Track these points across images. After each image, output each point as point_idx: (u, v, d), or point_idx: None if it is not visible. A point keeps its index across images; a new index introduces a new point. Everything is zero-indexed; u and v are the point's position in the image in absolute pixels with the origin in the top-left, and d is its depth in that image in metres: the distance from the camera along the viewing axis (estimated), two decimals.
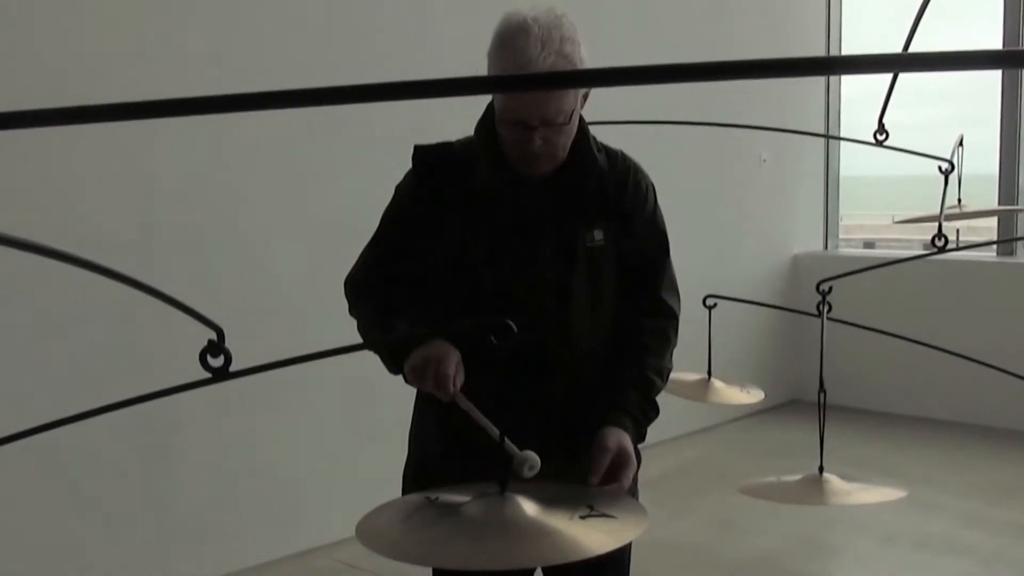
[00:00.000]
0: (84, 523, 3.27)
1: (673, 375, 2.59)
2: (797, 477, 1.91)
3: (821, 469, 1.87)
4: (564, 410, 1.77)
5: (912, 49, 1.90)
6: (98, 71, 3.20)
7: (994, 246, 5.60)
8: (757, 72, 0.68)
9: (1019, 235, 5.22)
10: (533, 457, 1.47)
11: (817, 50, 6.11)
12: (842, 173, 6.37)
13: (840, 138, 5.72)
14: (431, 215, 1.76)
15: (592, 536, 0.97)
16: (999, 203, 4.82)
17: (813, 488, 1.84)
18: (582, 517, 1.02)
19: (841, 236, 6.57)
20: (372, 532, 1.03)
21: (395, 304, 1.77)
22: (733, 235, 5.69)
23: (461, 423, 1.60)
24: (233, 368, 0.93)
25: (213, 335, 0.93)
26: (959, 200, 2.75)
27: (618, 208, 1.80)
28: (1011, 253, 5.41)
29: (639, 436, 1.75)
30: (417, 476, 1.89)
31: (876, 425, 5.66)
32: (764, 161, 5.82)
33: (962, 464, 4.94)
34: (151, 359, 3.29)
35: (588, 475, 1.59)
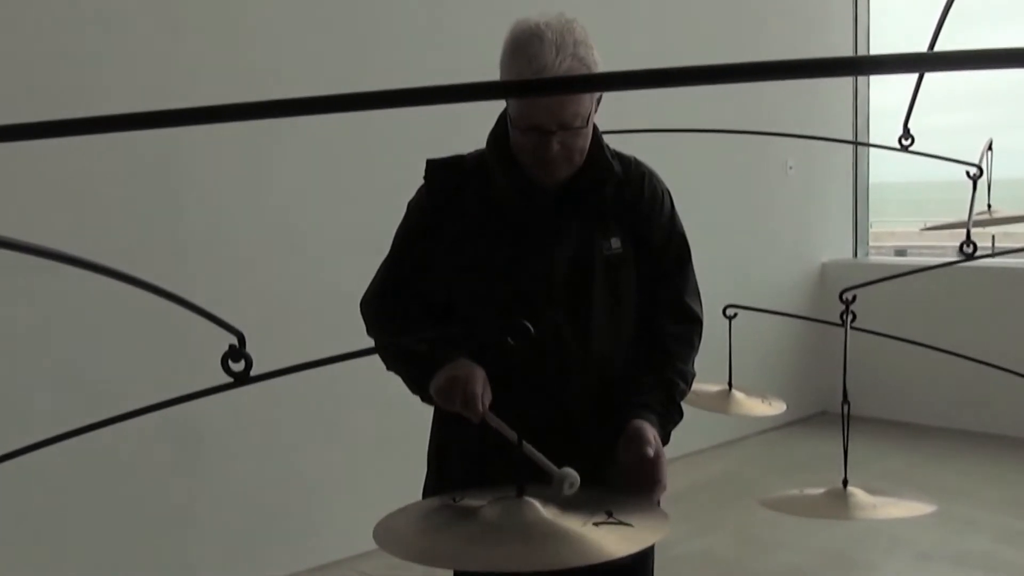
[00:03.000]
0: (104, 531, 3.26)
1: (694, 386, 2.55)
2: (820, 491, 1.86)
3: (845, 482, 1.81)
4: (585, 418, 1.75)
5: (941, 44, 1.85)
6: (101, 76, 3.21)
7: None
8: (785, 73, 0.65)
9: None
10: (572, 474, 1.44)
11: (845, 54, 6.04)
12: (872, 180, 6.27)
13: (866, 144, 5.65)
14: (446, 229, 1.75)
15: (610, 540, 0.95)
16: None
17: (837, 502, 1.78)
18: (598, 524, 0.99)
19: (872, 244, 6.47)
20: (389, 534, 1.01)
21: (414, 323, 1.76)
22: (759, 244, 5.61)
23: (486, 440, 1.59)
24: (254, 372, 0.93)
25: (235, 340, 0.92)
26: (988, 206, 2.68)
27: (635, 215, 1.78)
28: None
29: (664, 437, 1.73)
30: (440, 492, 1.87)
31: (907, 437, 5.55)
32: (791, 169, 5.74)
33: (997, 477, 4.82)
34: (175, 366, 3.27)
35: (626, 465, 1.58)
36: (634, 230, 1.77)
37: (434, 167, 1.80)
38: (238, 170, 3.53)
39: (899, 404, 5.79)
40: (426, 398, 1.72)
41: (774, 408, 2.32)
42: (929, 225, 2.61)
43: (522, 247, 1.72)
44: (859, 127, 6.13)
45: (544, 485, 1.40)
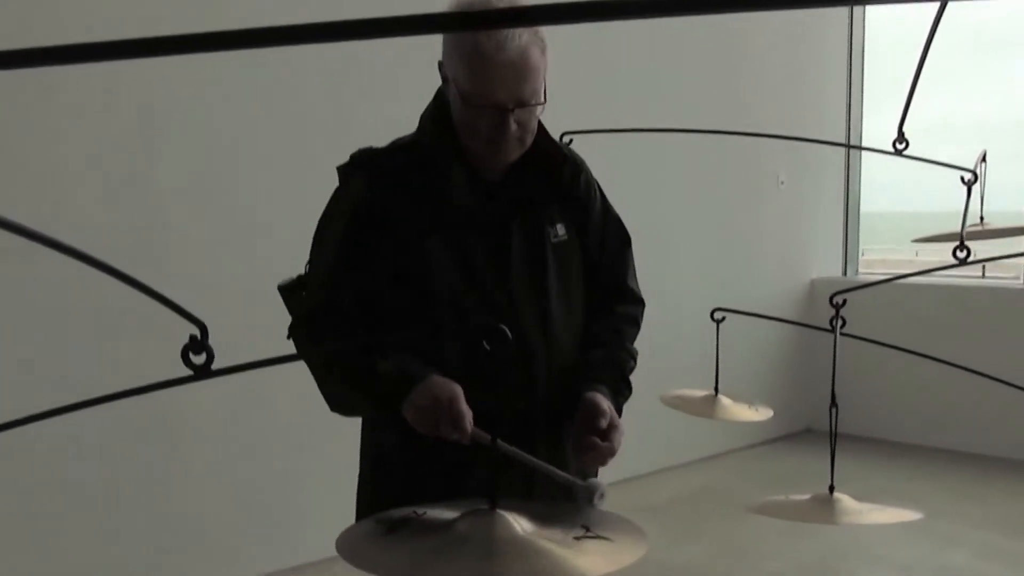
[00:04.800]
0: (78, 528, 3.21)
1: (678, 391, 2.52)
2: (807, 496, 1.83)
3: (832, 488, 1.79)
4: (549, 408, 1.70)
5: (932, 72, 1.83)
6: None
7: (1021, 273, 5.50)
8: (769, 3, 0.62)
9: None
10: (601, 484, 1.41)
11: (839, 74, 6.06)
12: (864, 208, 6.28)
13: (859, 147, 5.67)
14: (390, 223, 1.62)
15: (586, 558, 0.90)
16: None
17: (824, 507, 1.75)
18: (576, 538, 0.94)
19: (863, 271, 6.46)
20: (352, 546, 0.96)
21: (367, 332, 1.60)
22: (749, 258, 5.60)
23: (455, 453, 1.52)
24: (216, 366, 0.88)
25: (196, 331, 0.88)
26: (981, 218, 2.66)
27: (574, 202, 1.76)
28: None
29: (617, 411, 1.70)
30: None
31: (893, 455, 5.54)
32: (782, 183, 5.74)
33: (980, 496, 4.81)
34: (137, 359, 3.18)
35: (582, 435, 1.55)
36: (574, 217, 1.74)
37: (367, 157, 1.68)
38: (211, 160, 3.48)
39: (883, 422, 5.77)
40: (391, 419, 1.57)
41: (761, 415, 2.28)
42: (919, 237, 2.59)
43: (472, 238, 1.64)
44: (851, 157, 6.14)
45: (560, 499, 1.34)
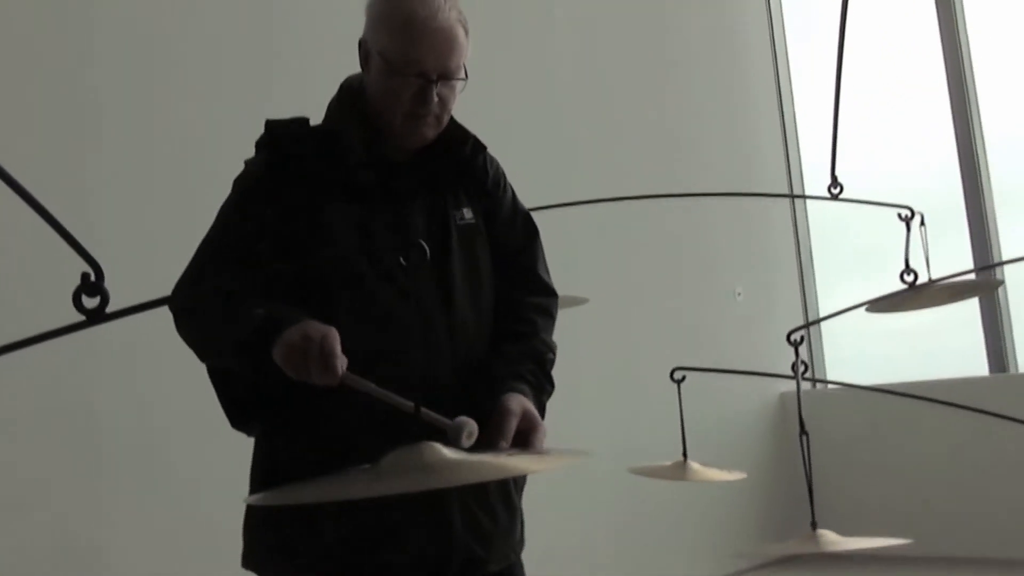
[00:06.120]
0: None
1: (647, 462, 2.45)
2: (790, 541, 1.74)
3: (814, 524, 1.70)
4: (454, 390, 1.58)
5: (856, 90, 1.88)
6: None
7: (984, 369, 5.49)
8: None
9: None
10: (469, 422, 1.31)
11: (768, 100, 6.12)
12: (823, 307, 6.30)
13: (802, 196, 5.81)
14: (289, 194, 1.61)
15: (521, 461, 0.83)
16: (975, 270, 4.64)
17: (807, 543, 1.66)
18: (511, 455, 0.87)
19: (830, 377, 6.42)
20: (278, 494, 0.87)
21: (246, 295, 1.55)
22: (712, 377, 5.52)
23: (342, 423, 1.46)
24: (111, 309, 0.82)
25: (90, 272, 0.82)
26: (930, 279, 2.67)
27: (480, 189, 1.75)
28: (1003, 368, 5.30)
29: (540, 409, 1.60)
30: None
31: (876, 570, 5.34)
32: (739, 295, 5.78)
33: None
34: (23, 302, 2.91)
35: (495, 440, 1.43)
36: (481, 204, 1.73)
37: (278, 127, 1.67)
38: (131, 92, 3.31)
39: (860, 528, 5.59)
40: (262, 373, 1.49)
41: (733, 476, 2.23)
42: (871, 300, 2.56)
43: (376, 215, 1.63)
44: (803, 259, 6.24)
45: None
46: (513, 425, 1.47)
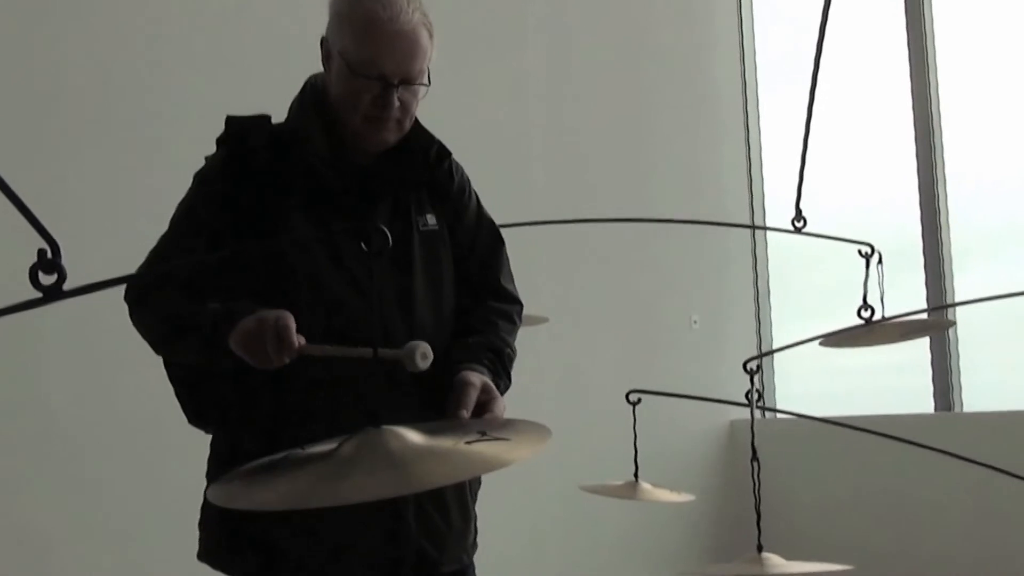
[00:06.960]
0: None
1: (598, 482, 2.48)
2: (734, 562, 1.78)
3: (760, 547, 1.73)
4: (413, 389, 1.57)
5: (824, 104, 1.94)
6: None
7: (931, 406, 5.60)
8: None
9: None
10: (420, 343, 1.31)
11: (735, 132, 6.19)
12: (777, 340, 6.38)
13: (763, 228, 5.89)
14: (248, 196, 1.60)
15: (488, 453, 0.83)
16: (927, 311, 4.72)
17: (752, 565, 1.69)
18: (471, 442, 0.87)
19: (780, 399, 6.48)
20: (227, 491, 0.87)
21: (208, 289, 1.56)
22: (666, 401, 5.57)
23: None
24: (68, 287, 0.82)
25: (47, 249, 0.82)
26: (884, 317, 2.74)
27: (444, 195, 1.74)
28: (949, 407, 5.41)
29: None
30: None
31: None
32: (695, 323, 5.85)
33: None
34: None
35: (456, 411, 1.45)
36: (446, 213, 1.73)
37: (238, 124, 1.65)
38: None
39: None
40: (218, 367, 1.52)
41: (682, 498, 2.26)
42: (824, 335, 2.62)
43: (336, 217, 1.61)
44: (760, 291, 6.33)
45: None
46: (473, 397, 1.48)
